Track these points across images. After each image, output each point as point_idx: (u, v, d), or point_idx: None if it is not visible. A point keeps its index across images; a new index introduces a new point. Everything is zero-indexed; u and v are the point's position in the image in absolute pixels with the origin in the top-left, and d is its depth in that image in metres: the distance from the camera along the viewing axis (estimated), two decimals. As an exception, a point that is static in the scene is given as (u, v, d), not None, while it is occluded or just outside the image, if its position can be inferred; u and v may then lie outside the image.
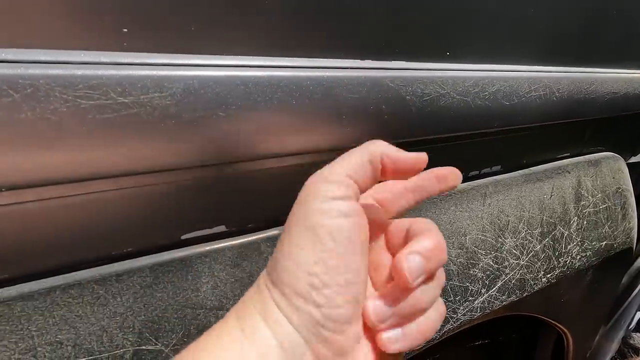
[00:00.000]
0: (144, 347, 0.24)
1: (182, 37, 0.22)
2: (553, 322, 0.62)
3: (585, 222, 0.57)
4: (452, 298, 0.41)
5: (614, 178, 0.63)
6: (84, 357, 0.22)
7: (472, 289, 0.43)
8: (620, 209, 0.64)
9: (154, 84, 0.20)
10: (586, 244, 0.58)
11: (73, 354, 0.22)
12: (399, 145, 0.35)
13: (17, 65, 0.17)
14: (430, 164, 0.40)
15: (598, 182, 0.60)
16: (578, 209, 0.56)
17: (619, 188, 0.64)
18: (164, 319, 0.25)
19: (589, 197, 0.58)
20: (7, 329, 0.21)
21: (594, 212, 0.59)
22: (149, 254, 0.25)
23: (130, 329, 0.24)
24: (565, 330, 0.65)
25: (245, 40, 0.25)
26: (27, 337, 0.21)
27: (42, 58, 0.18)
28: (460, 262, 0.42)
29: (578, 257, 0.56)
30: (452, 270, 0.41)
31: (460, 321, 0.43)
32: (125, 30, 0.20)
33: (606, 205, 0.61)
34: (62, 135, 0.19)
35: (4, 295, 0.21)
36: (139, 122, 0.21)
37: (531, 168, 0.51)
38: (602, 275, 0.66)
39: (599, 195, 0.60)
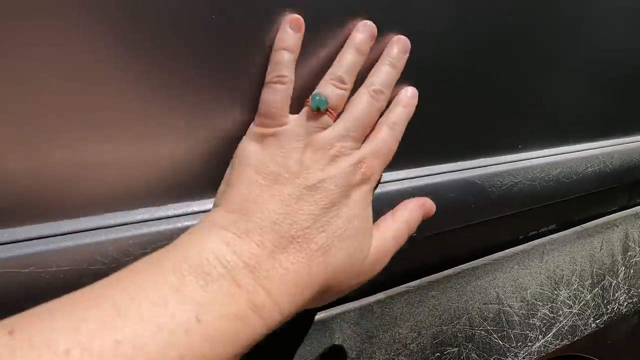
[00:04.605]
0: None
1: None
2: (599, 360, 0.68)
3: (632, 271, 0.63)
4: (515, 344, 0.48)
5: (659, 227, 0.68)
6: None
7: (530, 336, 0.50)
8: (666, 257, 0.68)
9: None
10: (632, 291, 0.63)
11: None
12: (477, 223, 0.42)
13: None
14: (496, 230, 0.47)
15: (644, 233, 0.65)
16: (625, 259, 0.62)
17: (665, 237, 0.68)
18: (311, 366, 0.33)
19: (636, 247, 0.63)
20: None
21: (640, 261, 0.64)
22: (299, 318, 0.34)
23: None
24: (611, 368, 0.70)
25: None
26: None
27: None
28: (522, 313, 0.49)
29: (625, 304, 0.62)
30: (515, 320, 0.48)
31: (520, 364, 0.49)
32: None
33: (652, 254, 0.66)
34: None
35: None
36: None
37: (583, 225, 0.57)
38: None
39: (645, 245, 0.65)
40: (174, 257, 0.19)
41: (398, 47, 0.27)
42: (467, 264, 0.45)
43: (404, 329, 0.39)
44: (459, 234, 0.43)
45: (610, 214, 0.62)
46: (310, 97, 0.24)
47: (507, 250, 0.48)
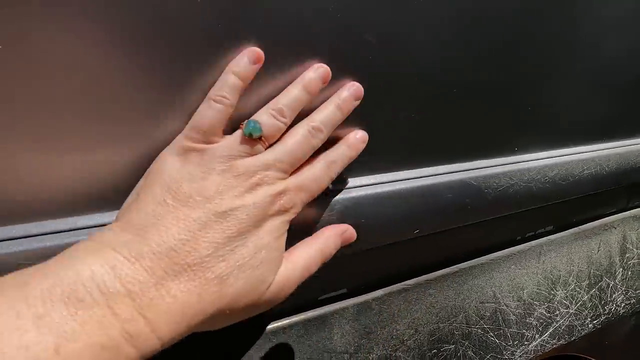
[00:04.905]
0: (299, 380, 0.34)
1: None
2: (596, 360, 0.68)
3: (629, 273, 0.63)
4: (511, 342, 0.49)
5: (658, 230, 0.68)
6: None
7: (527, 335, 0.51)
8: (664, 259, 0.69)
9: (327, 208, 0.30)
10: (630, 292, 0.64)
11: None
12: (474, 224, 0.43)
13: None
14: (493, 231, 0.48)
15: (643, 235, 0.66)
16: (623, 260, 0.62)
17: (663, 239, 0.69)
18: (311, 360, 0.35)
19: (634, 249, 0.64)
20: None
21: (638, 262, 0.65)
22: (300, 312, 0.35)
23: (291, 367, 0.34)
24: (608, 368, 0.70)
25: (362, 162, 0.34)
26: None
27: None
28: (518, 312, 0.49)
29: (622, 305, 0.62)
30: (511, 319, 0.49)
31: (516, 362, 0.50)
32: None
33: (650, 255, 0.67)
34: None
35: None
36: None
37: (580, 227, 0.58)
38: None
39: (644, 247, 0.66)
40: (48, 278, 0.18)
41: (350, 91, 0.28)
42: (464, 263, 0.45)
43: (401, 326, 0.40)
44: (456, 235, 0.44)
45: (608, 216, 0.63)
46: (245, 122, 0.24)
47: (504, 251, 0.49)
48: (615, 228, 0.62)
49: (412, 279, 0.42)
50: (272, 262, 0.24)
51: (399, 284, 0.41)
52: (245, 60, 0.24)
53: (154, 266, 0.20)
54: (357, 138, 0.30)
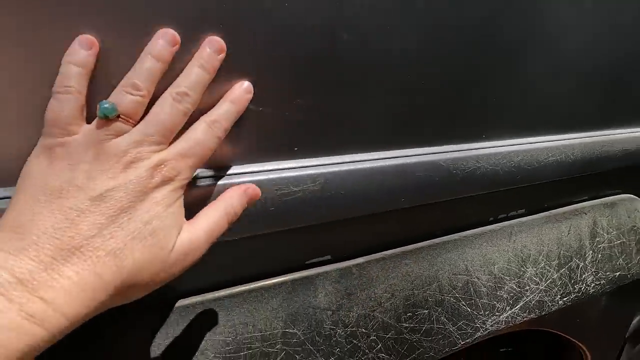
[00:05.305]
0: (287, 330, 0.40)
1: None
2: (569, 337, 0.73)
3: (599, 256, 0.68)
4: (483, 312, 0.54)
5: (629, 217, 0.73)
6: (259, 333, 0.38)
7: (498, 307, 0.56)
8: (635, 244, 0.74)
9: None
10: (600, 273, 0.69)
11: (252, 334, 0.38)
12: (445, 202, 0.49)
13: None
14: (466, 210, 0.53)
15: (613, 222, 0.71)
16: (593, 244, 0.67)
17: (635, 226, 0.74)
18: (298, 313, 0.40)
19: (604, 234, 0.69)
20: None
21: (608, 247, 0.70)
22: (288, 273, 0.41)
23: (280, 319, 0.39)
24: (581, 345, 0.76)
25: (353, 141, 0.40)
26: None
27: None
28: (489, 285, 0.55)
29: (592, 285, 0.67)
30: (483, 291, 0.54)
31: (488, 331, 0.55)
32: (296, 148, 0.36)
33: (620, 241, 0.72)
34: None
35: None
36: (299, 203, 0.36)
37: (551, 211, 0.63)
38: (617, 300, 0.76)
39: (614, 232, 0.71)
40: None
41: (210, 47, 0.27)
42: (438, 239, 0.51)
43: (379, 290, 0.46)
44: (430, 215, 0.49)
45: (579, 203, 0.68)
46: (98, 105, 0.24)
47: (476, 229, 0.54)
48: (585, 214, 0.67)
49: (390, 250, 0.47)
50: (168, 229, 0.25)
51: (377, 253, 0.46)
52: (77, 47, 0.24)
53: (39, 254, 0.21)
54: (241, 90, 0.29)
